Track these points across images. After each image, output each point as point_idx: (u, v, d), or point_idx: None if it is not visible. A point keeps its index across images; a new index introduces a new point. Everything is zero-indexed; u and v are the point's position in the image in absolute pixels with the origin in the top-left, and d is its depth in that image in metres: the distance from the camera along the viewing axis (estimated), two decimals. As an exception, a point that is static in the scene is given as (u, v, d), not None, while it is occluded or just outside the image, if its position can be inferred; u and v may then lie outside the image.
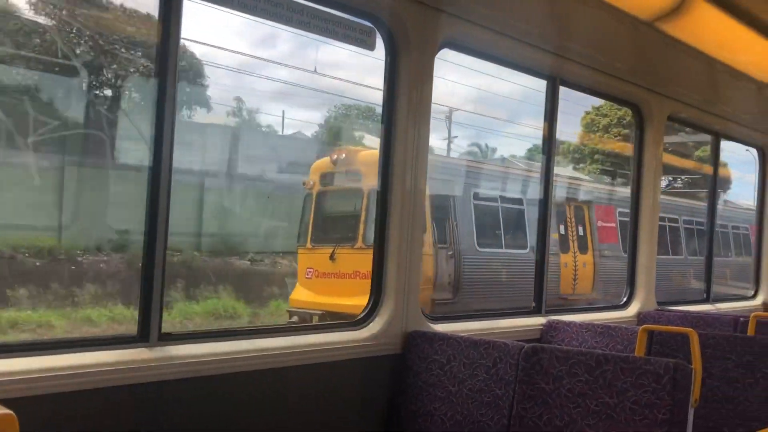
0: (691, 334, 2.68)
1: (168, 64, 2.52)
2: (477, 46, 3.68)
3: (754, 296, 6.39)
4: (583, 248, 12.85)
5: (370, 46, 3.19)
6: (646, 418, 2.37)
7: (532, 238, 10.72)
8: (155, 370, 2.41)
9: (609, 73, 4.48)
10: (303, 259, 9.97)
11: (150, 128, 2.58)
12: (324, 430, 2.91)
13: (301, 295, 10.08)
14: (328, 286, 9.62)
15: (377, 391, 3.11)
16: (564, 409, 2.57)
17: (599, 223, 13.26)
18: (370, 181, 9.00)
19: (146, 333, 2.48)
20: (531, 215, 10.62)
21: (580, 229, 12.87)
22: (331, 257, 9.57)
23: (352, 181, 9.87)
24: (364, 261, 8.36)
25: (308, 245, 9.82)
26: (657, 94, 4.84)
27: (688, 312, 4.75)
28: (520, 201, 11.80)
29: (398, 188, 3.22)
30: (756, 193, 6.68)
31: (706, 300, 5.86)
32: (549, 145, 4.20)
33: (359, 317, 3.19)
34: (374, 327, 3.16)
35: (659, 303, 5.12)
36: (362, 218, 9.40)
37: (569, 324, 3.94)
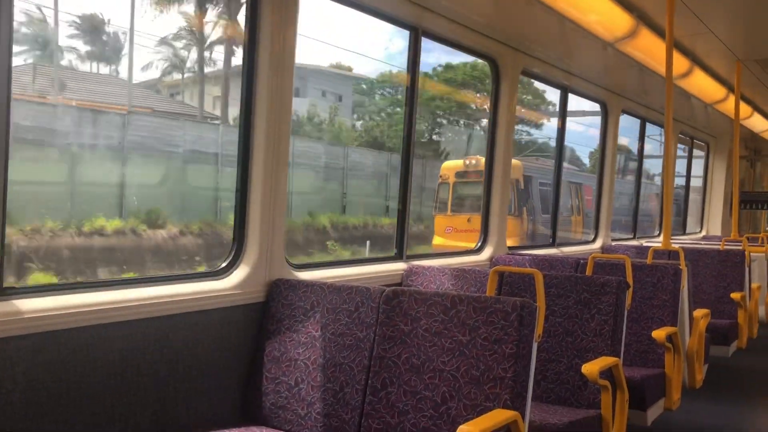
0: (536, 274, 2.89)
1: None
2: None
3: (593, 241, 6.97)
4: (578, 212, 20.16)
5: (230, -14, 3.05)
6: (495, 352, 2.54)
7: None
8: None
9: (468, 27, 4.61)
10: (441, 222, 16.28)
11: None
12: (184, 380, 2.86)
13: (440, 242, 16.24)
14: (464, 237, 15.35)
15: (241, 339, 3.10)
16: (421, 348, 2.70)
17: (587, 197, 19.92)
18: (493, 176, 15.19)
19: None
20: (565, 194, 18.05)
21: (576, 200, 20.22)
22: (468, 220, 15.47)
23: (480, 177, 14.76)
24: (488, 224, 14.59)
25: (448, 213, 16.40)
26: (512, 48, 5.05)
27: (535, 255, 5.10)
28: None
29: (261, 135, 3.16)
30: (599, 145, 7.22)
31: (552, 244, 6.32)
32: (411, 94, 4.27)
33: (221, 266, 3.14)
34: (237, 276, 3.12)
35: (512, 248, 5.47)
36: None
37: (428, 268, 4.11)
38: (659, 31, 5.26)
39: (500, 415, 2.36)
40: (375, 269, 4.03)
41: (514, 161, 17.01)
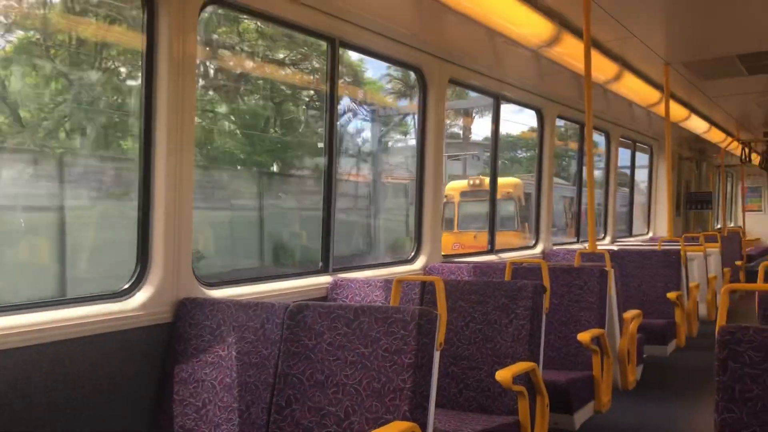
0: (436, 281, 2.85)
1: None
2: (248, 2, 3.58)
3: (534, 246, 7.00)
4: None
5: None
6: (395, 363, 2.50)
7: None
8: None
9: (391, 37, 4.59)
10: (448, 238, 16.04)
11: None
12: (85, 408, 2.75)
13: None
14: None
15: (147, 362, 3.00)
16: (325, 363, 2.64)
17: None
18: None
19: None
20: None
21: (570, 213, 19.42)
22: (475, 237, 15.07)
23: (484, 196, 15.87)
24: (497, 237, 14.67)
25: (455, 230, 16.79)
26: (438, 58, 5.06)
27: (470, 262, 5.09)
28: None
29: (162, 149, 3.08)
30: (537, 150, 7.28)
31: (491, 251, 6.33)
32: (331, 104, 4.23)
33: (123, 288, 3.04)
34: (141, 296, 3.03)
35: (447, 256, 5.45)
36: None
37: (353, 281, 4.06)
38: (582, 36, 5.32)
39: (397, 428, 2.31)
40: (297, 284, 3.96)
41: (514, 180, 17.94)
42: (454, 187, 17.81)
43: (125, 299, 3.00)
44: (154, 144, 3.08)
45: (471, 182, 17.57)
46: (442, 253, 5.25)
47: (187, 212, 3.18)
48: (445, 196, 17.41)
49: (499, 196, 16.52)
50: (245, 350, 2.86)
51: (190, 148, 3.17)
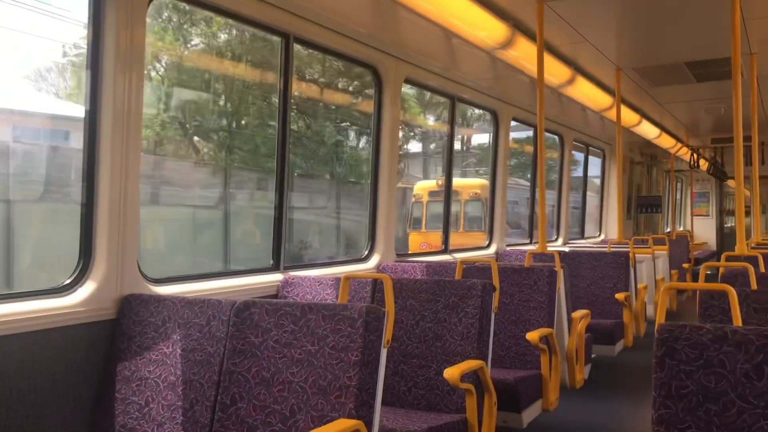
0: (384, 279, 2.85)
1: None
2: None
3: (488, 246, 7.07)
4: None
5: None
6: (342, 361, 2.48)
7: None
8: None
9: (346, 35, 4.58)
10: (416, 238, 16.68)
11: None
12: (21, 407, 2.67)
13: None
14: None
15: (89, 359, 2.92)
16: (271, 360, 2.62)
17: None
18: (464, 197, 16.18)
19: None
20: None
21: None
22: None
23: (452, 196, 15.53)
24: (464, 238, 14.10)
25: (423, 230, 16.88)
26: (394, 57, 5.06)
27: (423, 262, 5.10)
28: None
29: (107, 142, 3.01)
30: (491, 153, 7.35)
31: (445, 251, 6.36)
32: (284, 101, 4.19)
33: (64, 283, 2.95)
34: (83, 293, 2.95)
35: (401, 255, 5.46)
36: (462, 216, 16.22)
37: (305, 279, 4.03)
38: (535, 39, 5.40)
39: (341, 425, 2.29)
40: (247, 281, 3.91)
41: (482, 181, 18.19)
42: (423, 187, 17.86)
43: (66, 295, 2.91)
44: (99, 135, 3.01)
45: (439, 182, 17.23)
46: (409, 251, 5.26)
47: (134, 206, 3.11)
48: (414, 196, 17.67)
49: (467, 197, 16.67)
50: (190, 347, 2.81)
51: (137, 141, 3.11)
